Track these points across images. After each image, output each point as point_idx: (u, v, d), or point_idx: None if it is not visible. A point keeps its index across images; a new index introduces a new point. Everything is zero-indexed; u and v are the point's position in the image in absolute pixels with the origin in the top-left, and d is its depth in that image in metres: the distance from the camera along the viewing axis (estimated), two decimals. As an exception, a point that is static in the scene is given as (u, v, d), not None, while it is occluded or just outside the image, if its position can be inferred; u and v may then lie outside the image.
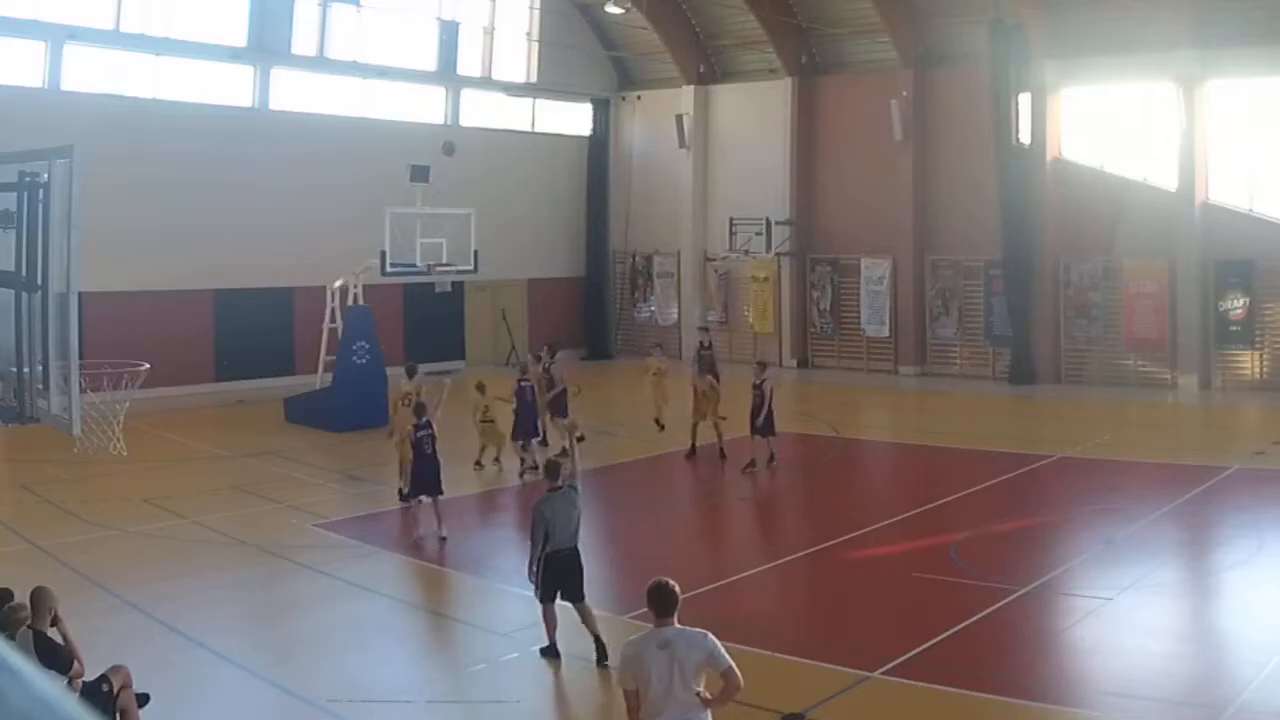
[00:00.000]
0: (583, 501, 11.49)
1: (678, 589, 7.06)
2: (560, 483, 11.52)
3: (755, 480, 19.61)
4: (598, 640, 11.03)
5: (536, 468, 19.37)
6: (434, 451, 15.74)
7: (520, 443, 19.69)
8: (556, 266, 37.40)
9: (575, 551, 11.23)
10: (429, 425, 15.84)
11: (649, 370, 24.72)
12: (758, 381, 19.86)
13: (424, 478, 15.66)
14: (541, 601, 11.23)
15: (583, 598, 11.21)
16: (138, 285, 26.75)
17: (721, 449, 20.94)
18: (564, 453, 18.72)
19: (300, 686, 10.56)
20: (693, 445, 21.38)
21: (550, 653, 11.21)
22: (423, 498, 15.73)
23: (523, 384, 20.03)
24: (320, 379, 25.36)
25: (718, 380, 22.15)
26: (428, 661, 11.98)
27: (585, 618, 11.19)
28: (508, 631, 12.21)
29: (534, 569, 11.16)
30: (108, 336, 22.51)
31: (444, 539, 15.48)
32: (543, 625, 11.21)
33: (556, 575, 11.15)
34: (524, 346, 35.53)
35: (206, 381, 28.52)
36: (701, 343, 26.36)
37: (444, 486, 15.84)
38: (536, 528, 11.10)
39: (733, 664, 6.87)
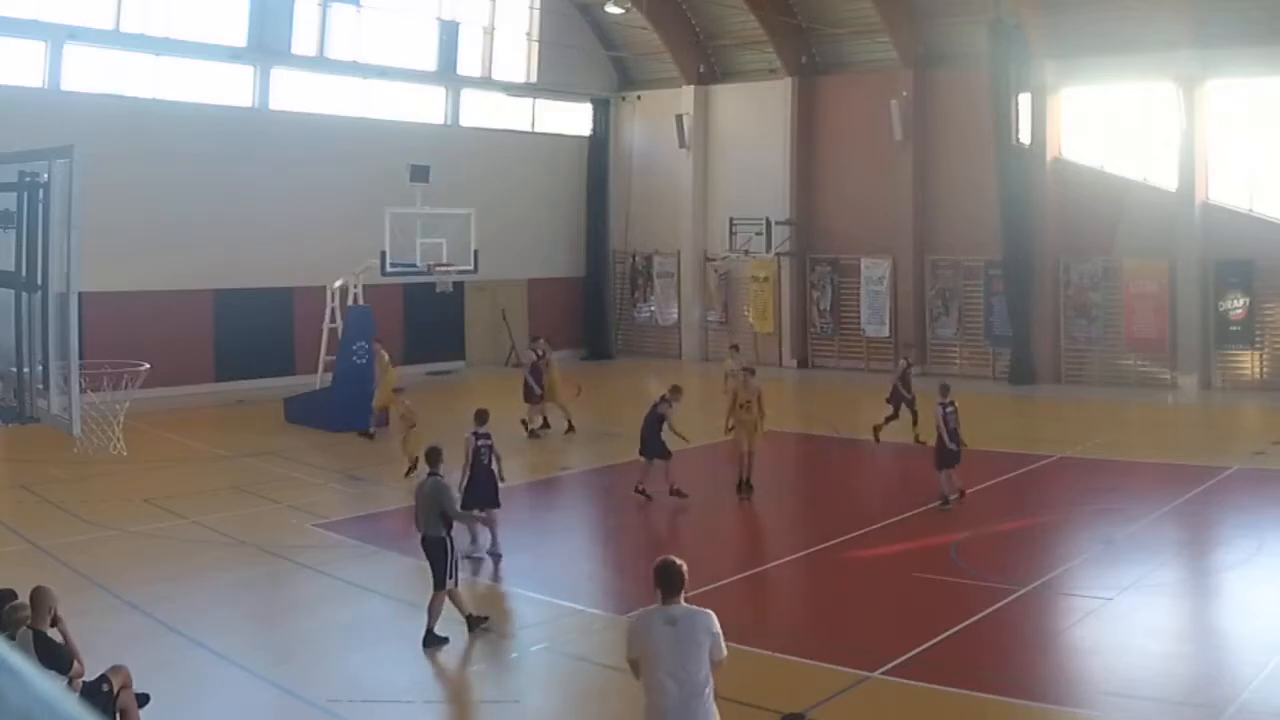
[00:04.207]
0: (447, 499, 12.02)
1: (684, 568, 7.07)
2: (439, 472, 12.26)
3: (754, 481, 19.55)
4: (427, 631, 11.51)
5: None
6: (491, 462, 14.81)
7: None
8: (556, 266, 37.39)
9: (436, 541, 11.77)
10: (489, 435, 14.95)
11: (725, 379, 21.57)
12: (945, 401, 17.34)
13: (480, 491, 14.64)
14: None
15: (439, 585, 11.65)
16: (138, 285, 26.74)
17: (748, 478, 18.36)
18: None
19: (300, 686, 10.56)
20: (743, 478, 18.31)
21: (472, 624, 11.83)
22: (475, 511, 14.45)
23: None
24: (320, 379, 25.35)
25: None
26: (427, 661, 11.98)
27: (431, 601, 11.64)
28: (507, 632, 12.22)
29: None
30: (108, 336, 22.50)
31: (499, 556, 14.61)
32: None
33: (427, 558, 11.87)
34: (524, 347, 35.55)
35: (206, 381, 28.51)
36: (906, 359, 23.78)
37: (500, 499, 14.89)
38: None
39: (726, 655, 7.03)
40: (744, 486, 18.17)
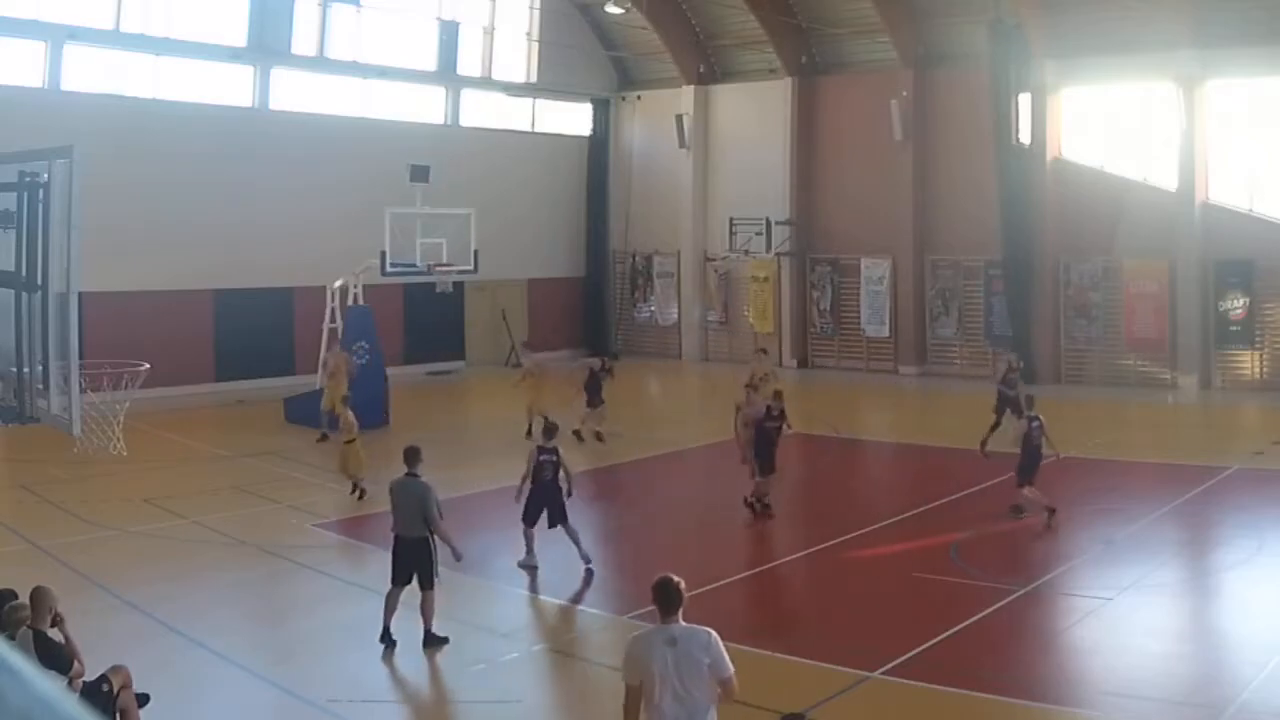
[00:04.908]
0: (431, 499, 11.74)
1: (682, 586, 6.98)
2: (417, 472, 12.03)
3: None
4: (426, 632, 11.47)
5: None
6: (556, 477, 14.11)
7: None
8: (556, 267, 37.40)
9: (419, 542, 11.62)
10: (555, 450, 14.18)
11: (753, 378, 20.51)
12: (1031, 415, 16.65)
13: (536, 505, 14.08)
14: (392, 583, 11.70)
15: (428, 586, 11.55)
16: (137, 285, 26.74)
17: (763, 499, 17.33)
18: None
19: (300, 686, 10.56)
20: (759, 501, 17.04)
21: (384, 639, 11.50)
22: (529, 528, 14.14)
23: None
24: (320, 379, 25.33)
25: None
26: (427, 662, 11.97)
27: (422, 604, 11.54)
28: (507, 631, 12.22)
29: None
30: (108, 336, 22.50)
31: (589, 568, 14.12)
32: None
33: (399, 559, 11.71)
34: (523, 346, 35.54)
35: (206, 381, 28.50)
36: (1010, 364, 21.87)
37: (568, 515, 14.25)
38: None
39: (733, 673, 6.78)
40: (758, 505, 17.05)
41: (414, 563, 11.62)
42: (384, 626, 11.52)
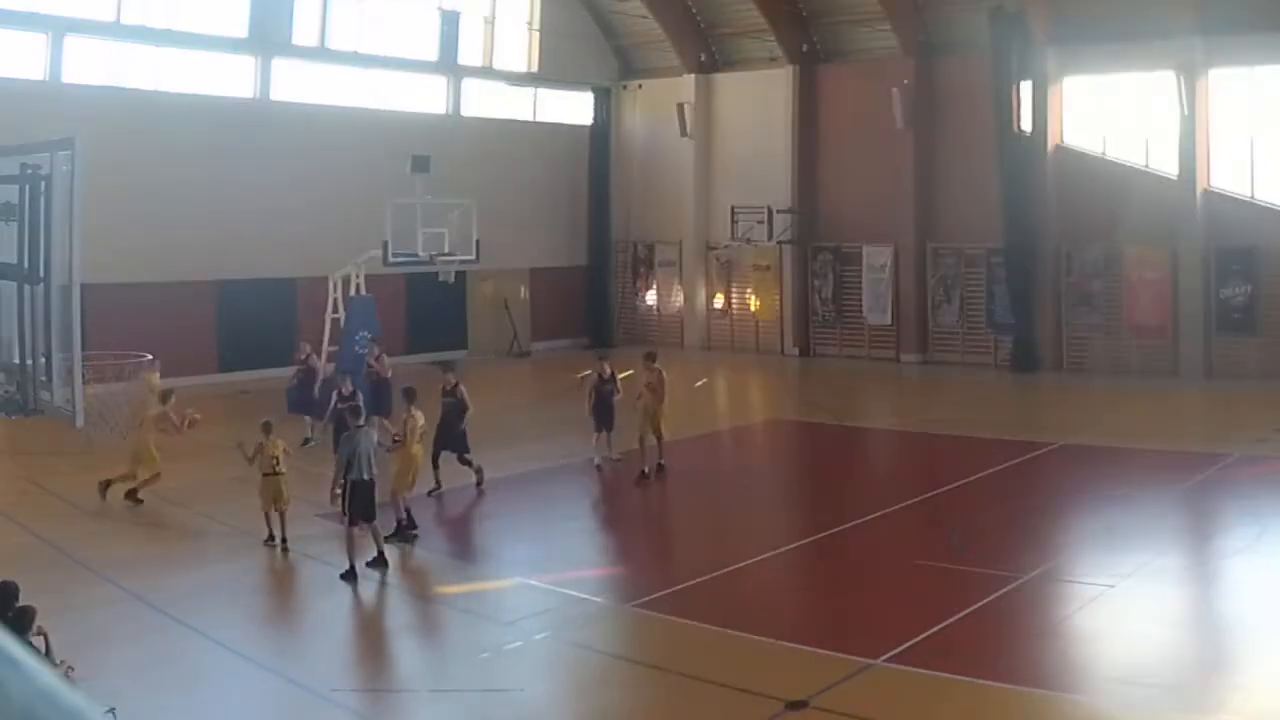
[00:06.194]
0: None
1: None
2: (363, 422, 14.24)
3: (755, 469, 19.57)
4: (380, 554, 13.60)
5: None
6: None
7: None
8: (558, 256, 37.36)
9: (372, 481, 13.55)
10: (614, 377, 19.08)
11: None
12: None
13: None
14: (351, 525, 13.39)
15: (374, 518, 13.69)
16: (139, 277, 26.74)
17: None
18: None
19: (304, 676, 10.59)
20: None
21: (350, 576, 13.16)
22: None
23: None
24: (323, 369, 25.31)
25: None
26: (431, 650, 12.02)
27: (375, 535, 13.72)
28: (511, 620, 12.24)
29: (337, 494, 13.54)
30: (110, 328, 22.49)
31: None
32: (348, 546, 13.43)
33: (360, 501, 13.38)
34: (526, 336, 35.57)
35: (209, 373, 28.47)
36: None
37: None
38: (341, 457, 13.70)
39: None
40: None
41: (371, 501, 13.46)
42: (351, 564, 13.20)
